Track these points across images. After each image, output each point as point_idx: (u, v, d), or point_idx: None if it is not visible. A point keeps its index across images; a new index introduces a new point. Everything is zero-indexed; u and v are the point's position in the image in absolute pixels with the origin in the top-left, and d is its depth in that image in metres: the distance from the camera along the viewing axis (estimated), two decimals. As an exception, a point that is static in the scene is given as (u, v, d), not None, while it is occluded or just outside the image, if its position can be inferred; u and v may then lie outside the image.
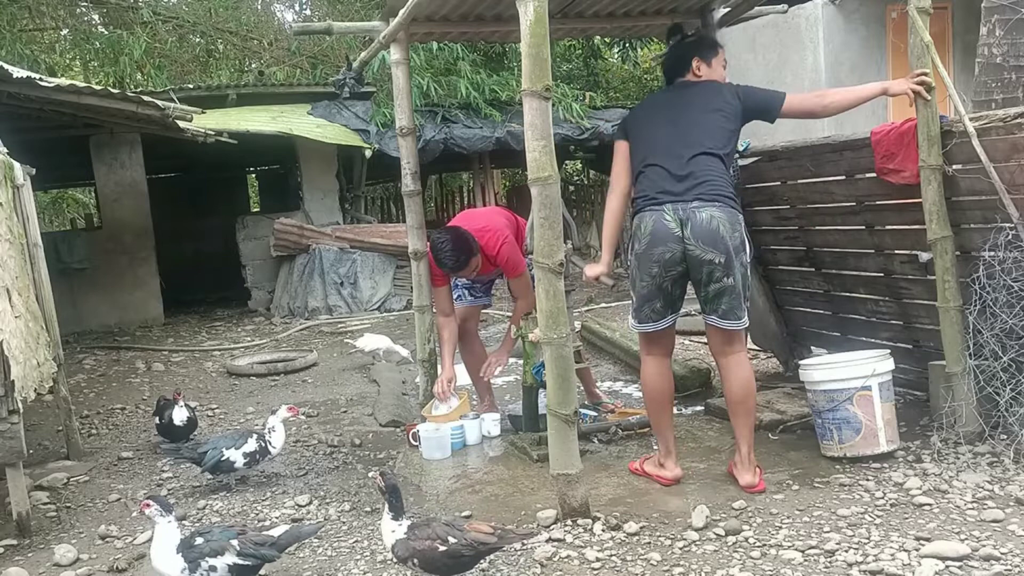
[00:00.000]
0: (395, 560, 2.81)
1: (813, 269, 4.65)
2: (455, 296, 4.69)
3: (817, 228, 4.52)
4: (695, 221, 3.29)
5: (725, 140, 3.46)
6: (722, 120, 3.46)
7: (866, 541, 2.84)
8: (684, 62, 3.63)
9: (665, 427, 3.57)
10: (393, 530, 2.74)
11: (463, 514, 3.36)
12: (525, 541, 2.87)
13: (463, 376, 4.90)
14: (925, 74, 3.48)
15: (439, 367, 4.57)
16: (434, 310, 4.57)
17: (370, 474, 4.05)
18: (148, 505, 2.87)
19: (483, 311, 4.75)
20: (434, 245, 4.29)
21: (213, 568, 2.73)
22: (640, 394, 5.33)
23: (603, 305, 9.33)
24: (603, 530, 3.07)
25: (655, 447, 4.10)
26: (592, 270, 3.73)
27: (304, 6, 15.86)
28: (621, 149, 3.63)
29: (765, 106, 3.57)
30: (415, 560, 2.69)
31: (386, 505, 2.78)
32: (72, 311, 8.93)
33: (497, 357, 4.66)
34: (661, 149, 3.43)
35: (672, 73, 3.69)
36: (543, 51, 3.03)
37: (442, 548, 2.63)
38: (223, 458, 3.89)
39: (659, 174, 3.39)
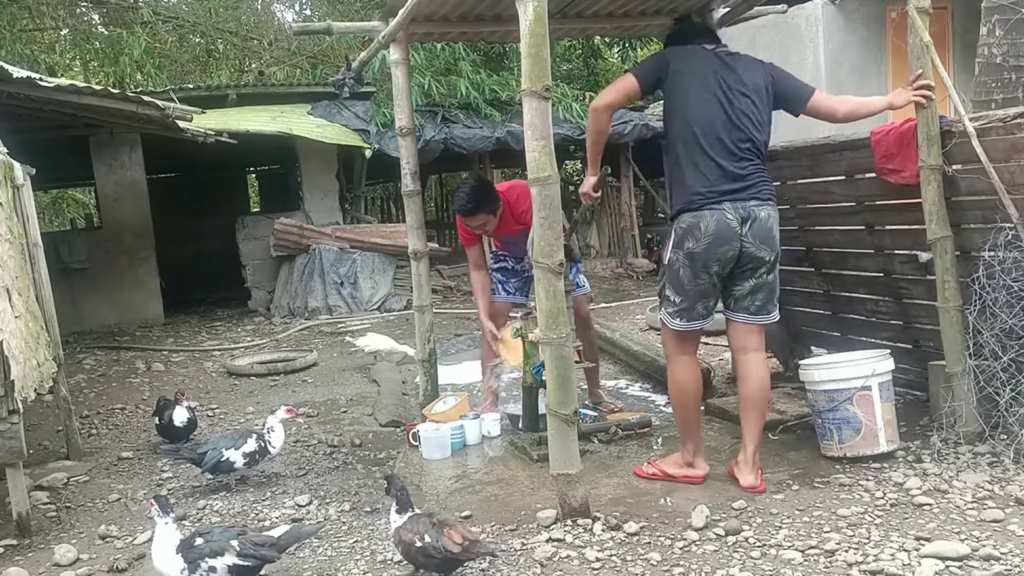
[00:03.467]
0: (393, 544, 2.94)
1: (813, 269, 4.65)
2: (491, 289, 4.74)
3: (817, 228, 4.53)
4: (756, 220, 3.32)
5: (768, 132, 3.48)
6: (766, 112, 3.46)
7: (866, 541, 2.84)
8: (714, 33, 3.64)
9: (696, 427, 3.56)
10: (395, 521, 2.88)
11: (463, 514, 3.37)
12: (492, 556, 2.86)
13: (466, 375, 4.91)
14: (922, 76, 3.48)
15: (443, 366, 4.57)
16: (438, 309, 4.59)
17: (378, 476, 4.06)
18: (153, 504, 2.88)
19: (512, 312, 4.75)
20: (458, 185, 4.33)
21: (213, 569, 2.72)
22: (641, 394, 5.37)
23: (603, 305, 9.34)
24: (603, 530, 3.07)
25: (656, 447, 4.12)
26: (586, 185, 3.75)
27: (304, 6, 15.85)
28: (631, 86, 3.45)
29: (795, 96, 3.54)
30: (400, 549, 2.84)
31: (394, 501, 2.91)
32: (72, 311, 8.92)
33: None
34: (714, 137, 3.34)
35: (703, 36, 3.57)
36: (543, 51, 3.03)
37: (418, 544, 2.74)
38: (223, 458, 3.89)
39: (713, 171, 3.33)
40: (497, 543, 2.97)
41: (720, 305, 3.55)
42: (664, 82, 3.46)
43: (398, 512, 2.88)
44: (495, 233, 4.58)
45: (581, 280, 4.65)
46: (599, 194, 3.82)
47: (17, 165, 4.40)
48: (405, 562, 2.87)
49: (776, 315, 3.52)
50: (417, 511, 2.93)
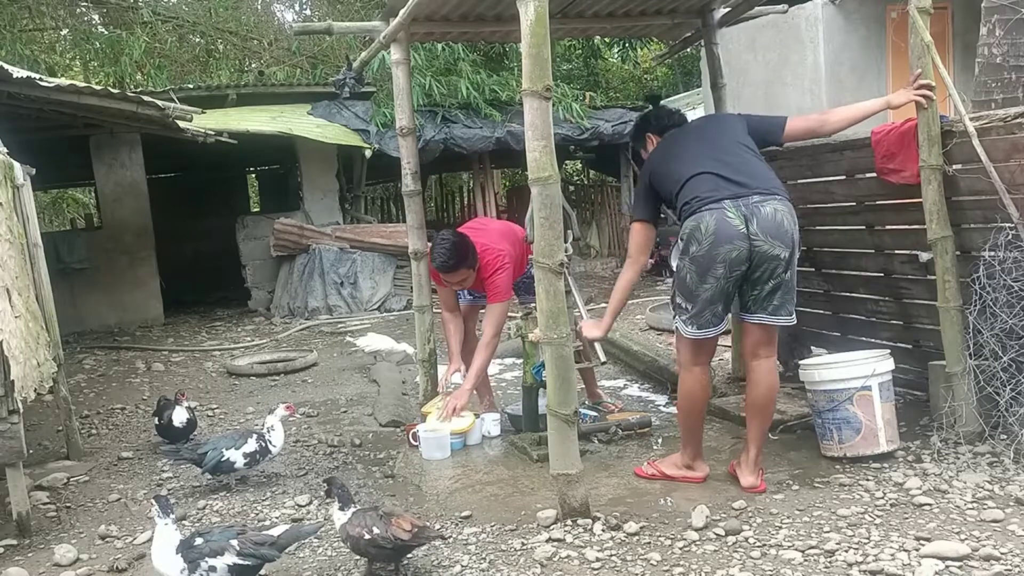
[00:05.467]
0: (341, 541, 3.02)
1: (813, 269, 4.65)
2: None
3: (817, 228, 4.53)
4: (760, 216, 3.25)
5: (757, 148, 3.53)
6: (751, 146, 3.51)
7: (866, 541, 2.84)
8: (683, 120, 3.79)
9: (698, 433, 3.56)
10: (340, 519, 2.96)
11: (463, 514, 3.37)
12: (442, 539, 2.99)
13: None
14: (921, 76, 3.48)
15: (442, 366, 4.58)
16: (438, 310, 4.60)
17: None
18: (153, 504, 2.88)
19: (481, 310, 4.75)
20: (436, 240, 4.33)
21: (213, 568, 2.72)
22: (641, 394, 5.37)
23: (603, 305, 9.32)
24: (603, 530, 3.07)
25: (656, 447, 4.12)
26: (591, 332, 3.81)
27: (304, 6, 15.87)
28: (640, 231, 3.63)
29: (768, 129, 3.62)
30: (348, 544, 2.91)
31: (336, 500, 3.01)
32: (72, 311, 8.92)
33: (456, 397, 4.32)
34: (702, 162, 3.38)
35: (673, 121, 3.79)
36: (543, 51, 3.03)
37: (367, 536, 2.82)
38: (223, 459, 3.88)
39: (708, 178, 3.33)
40: (439, 533, 3.04)
41: (735, 308, 3.54)
42: (657, 185, 3.56)
43: (341, 509, 2.97)
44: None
45: None
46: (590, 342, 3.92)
47: (17, 165, 4.40)
48: (346, 547, 2.98)
49: (793, 319, 3.44)
50: (360, 506, 3.04)
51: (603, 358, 4.08)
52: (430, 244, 4.40)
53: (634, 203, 3.78)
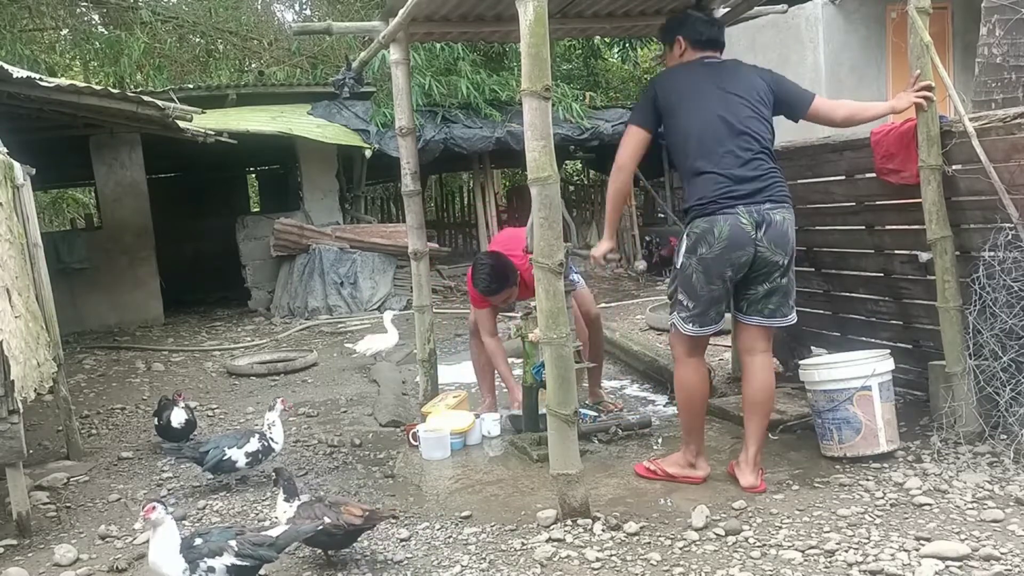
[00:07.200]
0: None
1: (813, 269, 4.65)
2: None
3: (817, 228, 4.53)
4: (771, 224, 3.27)
5: (772, 134, 3.45)
6: (767, 112, 3.43)
7: (866, 541, 2.84)
8: (719, 42, 3.56)
9: (700, 429, 3.56)
10: (285, 510, 3.06)
11: (463, 514, 3.37)
12: (394, 518, 3.14)
13: (467, 375, 4.91)
14: (922, 77, 3.48)
15: (443, 366, 4.57)
16: (438, 310, 4.60)
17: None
18: (153, 509, 2.84)
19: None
20: (475, 265, 4.34)
21: (211, 569, 2.71)
22: (641, 394, 5.37)
23: (603, 305, 9.33)
24: (603, 530, 3.07)
25: (656, 447, 4.12)
26: (599, 249, 3.73)
27: (304, 6, 15.86)
28: (638, 137, 3.47)
29: (795, 103, 3.54)
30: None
31: (281, 490, 3.12)
32: (72, 311, 8.90)
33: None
34: (718, 146, 3.31)
35: (709, 45, 3.52)
36: (543, 51, 3.03)
37: (319, 527, 2.90)
38: (225, 457, 3.88)
39: (723, 179, 3.29)
40: (391, 513, 3.12)
41: (731, 306, 3.53)
42: (662, 109, 3.45)
43: (286, 500, 3.08)
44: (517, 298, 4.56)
45: (575, 277, 4.57)
46: (611, 261, 3.81)
47: (17, 165, 4.40)
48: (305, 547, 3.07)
49: (793, 317, 3.45)
50: (304, 498, 3.11)
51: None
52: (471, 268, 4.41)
53: (634, 109, 3.64)
